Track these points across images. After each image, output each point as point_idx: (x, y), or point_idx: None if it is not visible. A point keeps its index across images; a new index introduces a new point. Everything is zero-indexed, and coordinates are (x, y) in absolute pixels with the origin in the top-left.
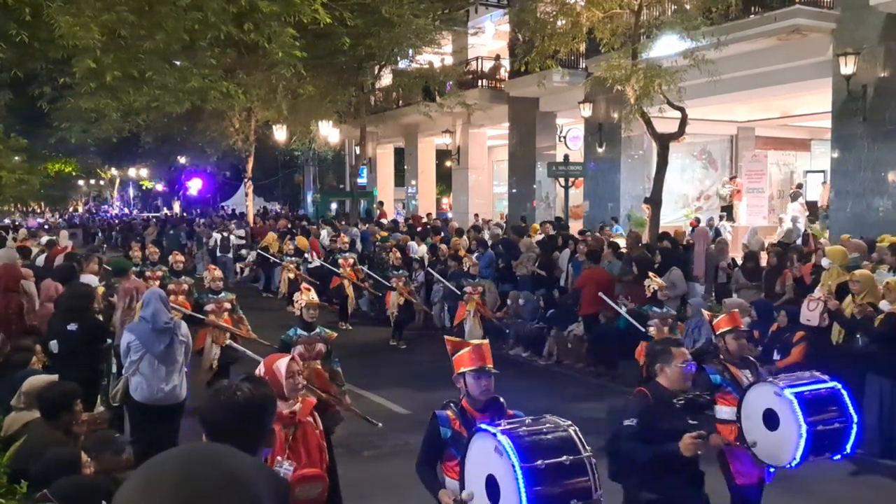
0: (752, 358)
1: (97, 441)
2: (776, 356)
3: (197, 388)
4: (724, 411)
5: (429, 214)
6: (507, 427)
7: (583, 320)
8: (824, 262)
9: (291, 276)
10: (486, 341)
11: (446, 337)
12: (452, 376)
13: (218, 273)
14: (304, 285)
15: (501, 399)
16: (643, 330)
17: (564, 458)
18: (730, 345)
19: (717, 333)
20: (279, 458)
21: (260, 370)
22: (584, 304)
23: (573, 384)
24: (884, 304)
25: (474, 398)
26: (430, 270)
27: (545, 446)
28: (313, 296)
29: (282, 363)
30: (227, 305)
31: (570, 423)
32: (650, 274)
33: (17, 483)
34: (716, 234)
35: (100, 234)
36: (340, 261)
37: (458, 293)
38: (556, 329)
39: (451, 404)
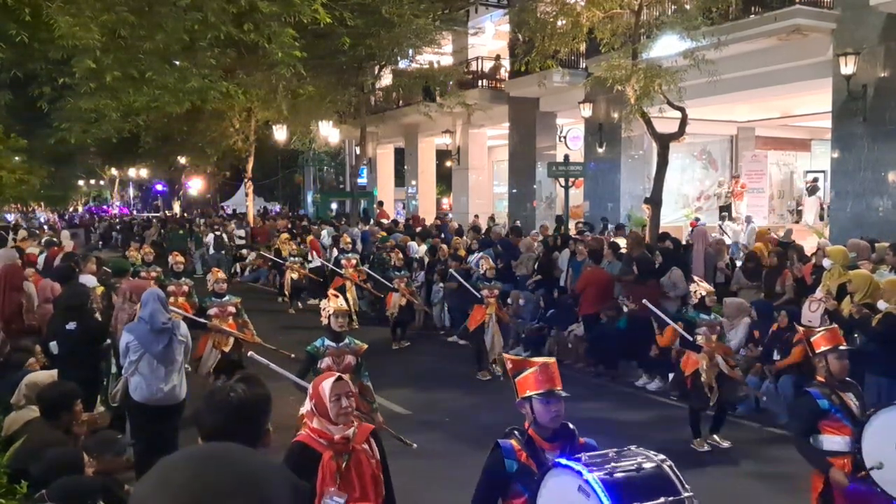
0: (851, 380)
1: (98, 441)
2: (776, 356)
3: (199, 392)
4: (834, 441)
5: (446, 215)
6: (591, 462)
7: (583, 320)
8: (825, 262)
9: (295, 276)
10: (553, 360)
11: (506, 356)
12: (515, 401)
13: (222, 275)
14: (331, 292)
15: (572, 426)
16: (691, 339)
17: (662, 500)
18: (832, 365)
19: (818, 353)
20: (329, 488)
21: (308, 391)
22: (584, 304)
23: (573, 384)
24: (881, 304)
25: (542, 426)
26: (454, 273)
27: (639, 485)
28: (342, 302)
29: (326, 383)
30: (232, 309)
31: (662, 456)
32: (695, 278)
33: (17, 483)
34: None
35: (94, 236)
36: (343, 261)
37: (478, 296)
38: (556, 329)
39: (516, 432)
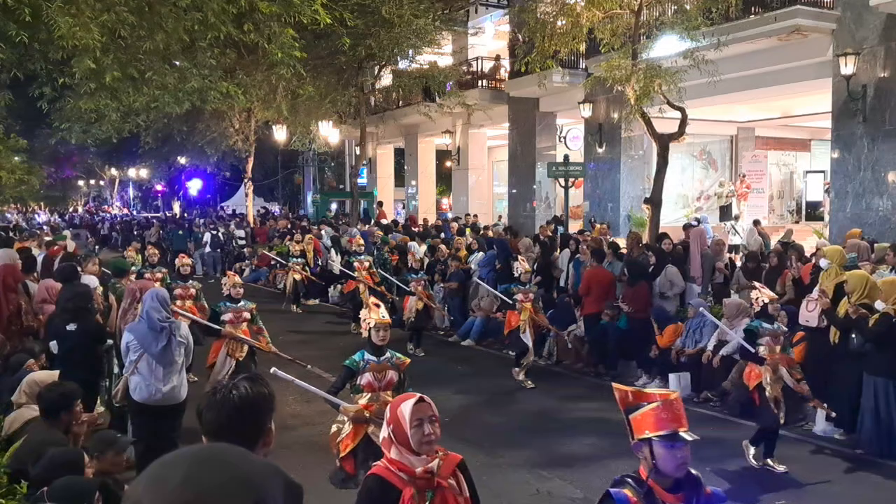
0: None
1: (98, 441)
2: None
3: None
4: None
5: (468, 216)
6: None
7: (584, 320)
8: (822, 262)
9: (298, 277)
10: (678, 394)
11: (615, 385)
12: (631, 443)
13: (238, 280)
14: (372, 301)
15: (696, 472)
16: (752, 350)
17: None
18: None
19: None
20: None
21: (386, 414)
22: (587, 304)
23: (573, 384)
24: (878, 304)
25: (665, 475)
26: (479, 281)
27: None
28: (384, 314)
29: (406, 406)
30: (247, 315)
31: None
32: (757, 285)
33: (17, 483)
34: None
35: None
36: (356, 264)
37: (509, 301)
38: (556, 329)
39: (629, 481)
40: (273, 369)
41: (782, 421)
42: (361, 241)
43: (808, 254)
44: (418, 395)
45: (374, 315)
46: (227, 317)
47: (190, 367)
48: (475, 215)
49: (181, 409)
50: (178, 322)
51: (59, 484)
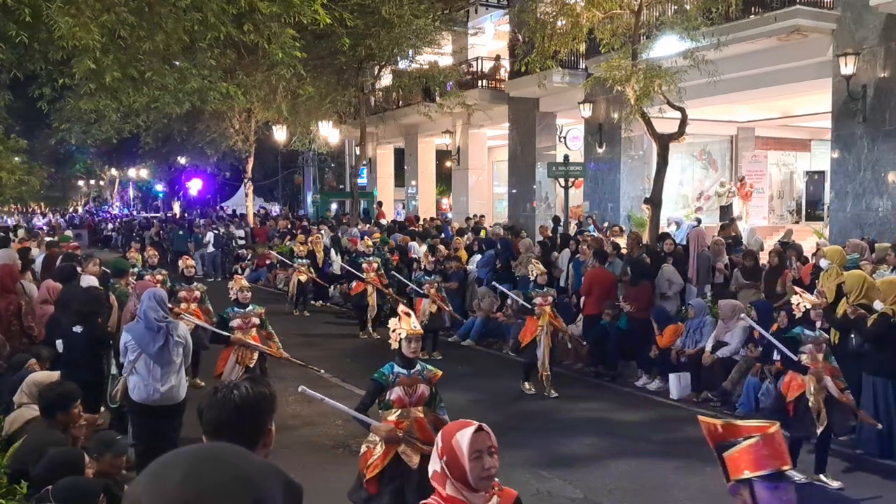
0: None
1: (98, 442)
2: (776, 356)
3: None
4: None
5: (473, 216)
6: None
7: (584, 320)
8: (822, 262)
9: (303, 279)
10: (778, 426)
11: (700, 417)
12: (727, 485)
13: (245, 283)
14: (402, 310)
15: None
16: (794, 358)
17: None
18: None
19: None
20: None
21: (437, 444)
22: (588, 305)
23: (573, 384)
24: (877, 305)
25: None
26: (497, 285)
27: None
28: (415, 323)
29: (464, 437)
30: (256, 321)
31: None
32: (798, 291)
33: (17, 483)
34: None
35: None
36: (364, 265)
37: (528, 306)
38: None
39: None
40: (301, 388)
41: (819, 431)
42: (370, 242)
43: (807, 254)
44: (476, 423)
45: (404, 324)
46: (235, 322)
47: (196, 371)
48: (482, 216)
49: (180, 408)
50: (176, 322)
51: (64, 484)
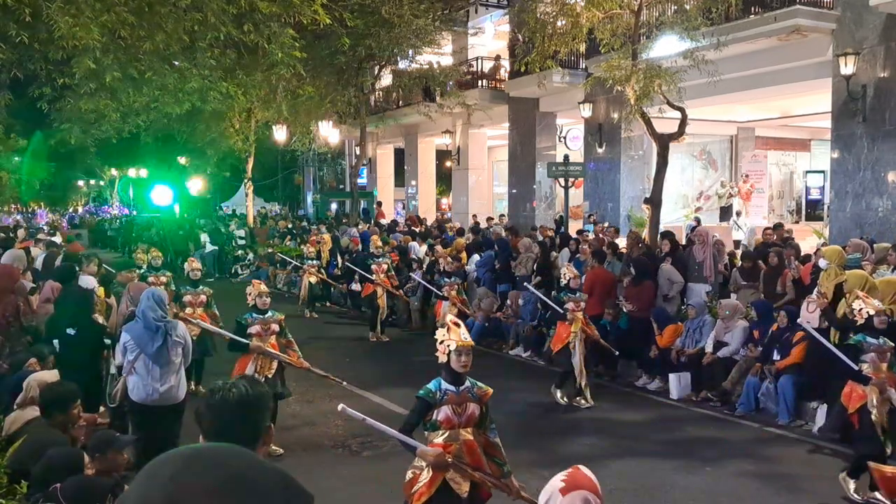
0: None
1: (97, 441)
2: (776, 356)
3: None
4: None
5: (489, 218)
6: None
7: None
8: (822, 262)
9: (313, 280)
10: None
11: (871, 464)
12: None
13: (264, 288)
14: (450, 319)
15: None
16: (855, 367)
17: None
18: None
19: None
20: None
21: (548, 490)
22: (587, 305)
23: (573, 384)
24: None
25: None
26: (530, 287)
27: None
28: (465, 335)
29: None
30: (275, 327)
31: None
32: (860, 294)
33: (16, 483)
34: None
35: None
36: (374, 266)
37: (560, 311)
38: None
39: None
40: (341, 406)
41: (889, 450)
42: (380, 243)
43: (805, 253)
44: (590, 475)
45: (453, 336)
46: (254, 329)
47: (200, 377)
48: (474, 215)
49: (180, 408)
50: (175, 322)
51: (72, 483)
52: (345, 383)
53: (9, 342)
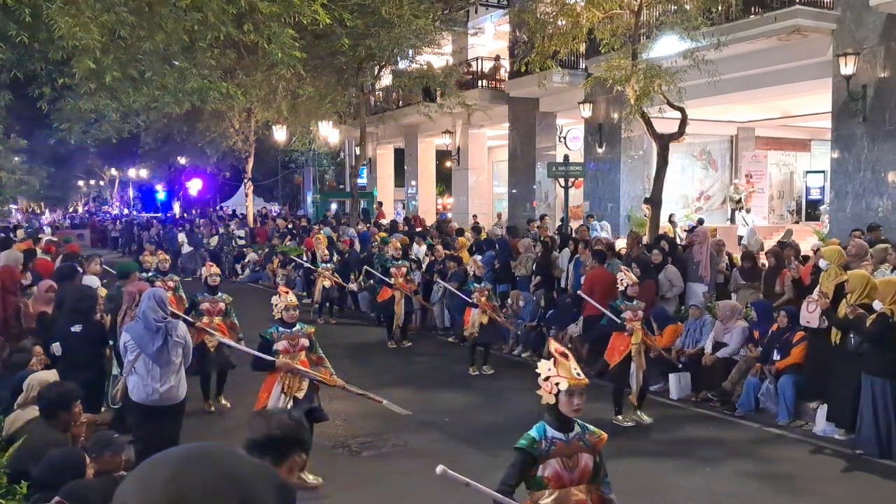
0: None
1: (96, 441)
2: (776, 356)
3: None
4: None
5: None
6: None
7: (584, 321)
8: (821, 262)
9: (327, 284)
10: None
11: None
12: None
13: (292, 299)
14: (556, 348)
15: None
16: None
17: None
18: None
19: None
20: None
21: None
22: (588, 305)
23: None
24: (877, 304)
25: None
26: (584, 296)
27: None
28: (577, 371)
29: None
30: (305, 342)
31: None
32: (622, 268)
33: (16, 483)
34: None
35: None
36: (392, 270)
37: (617, 320)
38: (556, 329)
39: None
40: (440, 468)
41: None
42: (398, 245)
43: (805, 253)
44: None
45: (563, 371)
46: (281, 345)
47: (221, 389)
48: (475, 216)
49: (180, 408)
50: (175, 322)
51: (76, 486)
52: (385, 402)
53: (9, 342)
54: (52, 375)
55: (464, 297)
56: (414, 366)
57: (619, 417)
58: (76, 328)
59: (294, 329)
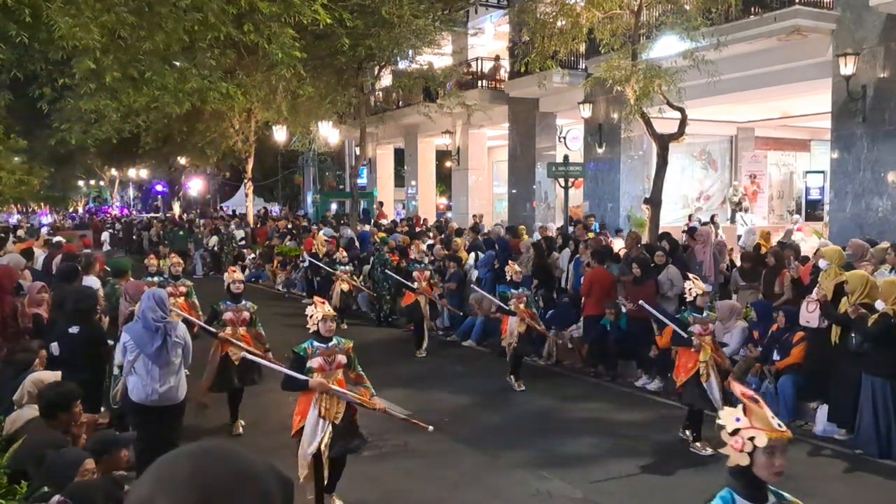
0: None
1: (96, 441)
2: (776, 356)
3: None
4: None
5: (475, 216)
6: None
7: (584, 321)
8: (821, 263)
9: (346, 288)
10: None
11: None
12: None
13: (329, 309)
14: (750, 398)
15: None
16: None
17: None
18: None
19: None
20: None
21: None
22: (587, 305)
23: (573, 384)
24: (879, 305)
25: None
26: (646, 306)
27: None
28: (774, 419)
29: None
30: (342, 359)
31: None
32: (691, 276)
33: (17, 483)
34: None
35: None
36: (415, 273)
37: (685, 335)
38: (556, 329)
39: None
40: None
41: None
42: (422, 247)
43: (805, 254)
44: None
45: (758, 421)
46: (315, 362)
47: (236, 410)
48: (475, 215)
49: (180, 409)
50: (175, 322)
51: (78, 486)
52: (431, 428)
53: (8, 343)
54: (55, 376)
55: (500, 303)
56: (414, 366)
57: (698, 445)
58: (73, 329)
59: (331, 344)
